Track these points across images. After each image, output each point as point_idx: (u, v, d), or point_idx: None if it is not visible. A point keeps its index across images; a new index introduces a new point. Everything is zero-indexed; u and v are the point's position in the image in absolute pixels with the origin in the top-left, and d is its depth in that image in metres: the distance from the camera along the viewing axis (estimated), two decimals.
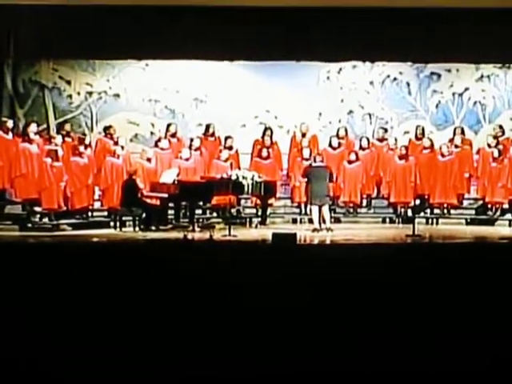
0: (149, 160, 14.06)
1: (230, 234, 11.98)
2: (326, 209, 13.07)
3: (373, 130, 16.04)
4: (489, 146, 14.55)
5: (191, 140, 14.56)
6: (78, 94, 15.87)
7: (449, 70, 16.07)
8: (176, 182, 13.24)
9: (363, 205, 14.98)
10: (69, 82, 15.83)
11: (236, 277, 6.61)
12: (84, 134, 14.72)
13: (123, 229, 13.05)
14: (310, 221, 13.55)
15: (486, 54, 14.85)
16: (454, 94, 16.12)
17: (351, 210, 14.85)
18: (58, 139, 13.52)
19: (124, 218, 13.17)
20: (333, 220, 13.64)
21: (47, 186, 12.86)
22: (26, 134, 13.29)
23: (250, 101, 15.97)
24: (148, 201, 13.26)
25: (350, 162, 14.60)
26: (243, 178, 13.36)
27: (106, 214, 13.93)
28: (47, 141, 13.59)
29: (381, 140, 15.24)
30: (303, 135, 14.99)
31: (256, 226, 14.00)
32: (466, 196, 14.91)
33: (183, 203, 13.62)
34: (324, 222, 13.02)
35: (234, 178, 13.28)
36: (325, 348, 5.07)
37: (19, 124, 14.73)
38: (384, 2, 14.13)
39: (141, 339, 5.23)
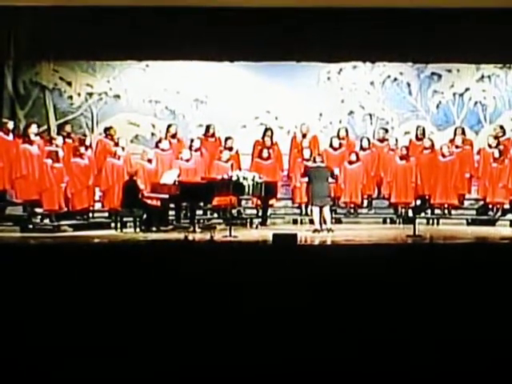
0: (149, 161, 14.06)
1: (230, 235, 11.97)
2: (326, 209, 13.05)
3: (373, 130, 16.03)
4: (489, 146, 14.54)
5: (191, 141, 14.57)
6: (79, 95, 15.87)
7: (449, 71, 16.06)
8: (177, 183, 13.25)
9: (364, 205, 14.98)
10: (69, 83, 15.84)
11: (237, 277, 6.61)
12: (84, 135, 14.70)
13: (124, 230, 13.06)
14: (311, 221, 13.55)
15: (487, 54, 14.84)
16: (454, 95, 16.12)
17: (352, 211, 14.85)
18: (59, 140, 13.53)
19: (125, 219, 13.18)
20: (333, 220, 13.63)
21: (48, 187, 12.87)
22: (26, 135, 13.30)
23: (250, 101, 15.96)
24: (149, 202, 13.27)
25: (350, 163, 14.60)
26: (244, 178, 13.35)
27: (106, 214, 13.95)
28: (48, 142, 13.61)
29: (381, 140, 15.25)
30: (304, 136, 15.00)
31: (257, 227, 14.00)
32: (467, 196, 14.90)
33: (184, 204, 13.62)
34: (325, 222, 13.01)
35: (234, 178, 13.28)
36: (325, 348, 5.06)
37: (20, 125, 14.73)
38: (384, 2, 14.12)
39: (142, 340, 5.22)
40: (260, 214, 14.38)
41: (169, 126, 14.93)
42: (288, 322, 5.49)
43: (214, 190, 13.29)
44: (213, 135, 15.02)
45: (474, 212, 14.75)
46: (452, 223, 14.39)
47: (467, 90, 16.09)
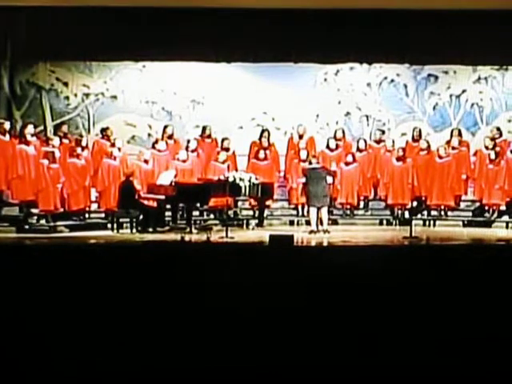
0: (146, 161, 14.06)
1: (227, 236, 11.97)
2: (324, 210, 13.06)
3: (370, 131, 16.05)
4: (486, 147, 14.55)
5: (188, 142, 14.57)
6: (75, 95, 15.86)
7: (446, 72, 16.08)
8: (173, 184, 13.24)
9: (360, 206, 15.00)
10: (66, 84, 15.83)
11: (233, 278, 6.60)
12: (81, 136, 14.71)
13: (120, 230, 13.06)
14: (307, 222, 13.55)
15: (484, 55, 14.83)
16: (451, 96, 16.14)
17: (348, 212, 14.86)
18: (55, 141, 13.54)
19: (121, 220, 13.18)
20: (330, 222, 13.64)
21: (44, 187, 12.87)
22: (23, 135, 13.29)
23: (247, 102, 15.97)
24: (145, 202, 13.27)
25: (347, 164, 14.61)
26: (240, 179, 13.35)
27: (103, 215, 13.95)
28: (44, 142, 13.59)
29: (378, 142, 15.26)
30: (300, 137, 15.00)
31: (253, 228, 13.98)
32: (463, 198, 14.92)
33: (180, 205, 13.62)
34: (321, 223, 13.01)
35: (231, 179, 13.26)
36: (322, 350, 5.06)
37: (16, 126, 14.74)
38: (381, 3, 14.12)
39: (139, 341, 5.22)
40: (256, 215, 14.40)
41: (165, 127, 14.93)
42: (284, 323, 5.49)
43: (210, 191, 13.28)
44: (209, 136, 15.02)
45: (470, 213, 14.76)
46: (448, 225, 14.40)
47: (464, 91, 16.11)
